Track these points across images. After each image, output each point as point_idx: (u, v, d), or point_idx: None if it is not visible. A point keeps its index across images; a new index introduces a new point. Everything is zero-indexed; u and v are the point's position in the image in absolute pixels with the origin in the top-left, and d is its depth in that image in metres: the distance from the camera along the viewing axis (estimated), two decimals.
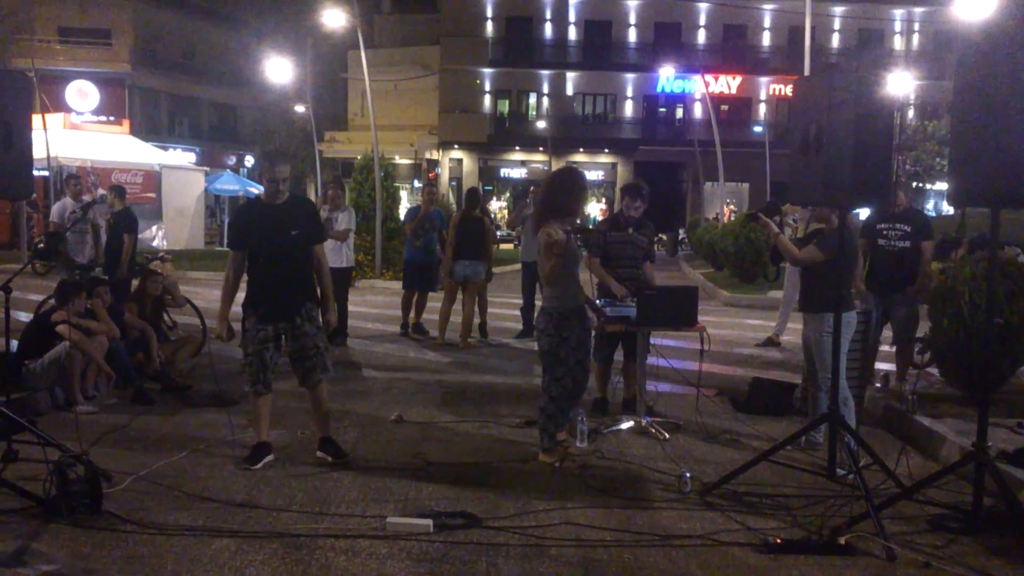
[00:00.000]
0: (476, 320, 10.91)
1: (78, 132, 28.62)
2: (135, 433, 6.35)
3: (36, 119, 22.10)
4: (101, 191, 14.06)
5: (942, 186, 35.10)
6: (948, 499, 5.02)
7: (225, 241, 32.37)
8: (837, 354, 5.33)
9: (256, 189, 37.22)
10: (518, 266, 11.31)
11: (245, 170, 45.90)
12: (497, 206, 42.06)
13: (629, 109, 43.79)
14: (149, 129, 39.98)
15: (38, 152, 21.22)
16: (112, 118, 33.51)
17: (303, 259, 5.70)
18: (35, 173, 5.45)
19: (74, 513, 4.50)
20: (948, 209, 33.61)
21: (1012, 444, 5.76)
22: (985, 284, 6.03)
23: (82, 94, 35.63)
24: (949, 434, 6.11)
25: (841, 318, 5.38)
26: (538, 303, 10.78)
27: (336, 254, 10.24)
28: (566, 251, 5.61)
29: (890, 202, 7.81)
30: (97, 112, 34.74)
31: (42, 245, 17.18)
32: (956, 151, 4.62)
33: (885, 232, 7.63)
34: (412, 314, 11.34)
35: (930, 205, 42.51)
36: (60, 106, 32.08)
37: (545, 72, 42.91)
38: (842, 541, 4.37)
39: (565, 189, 5.87)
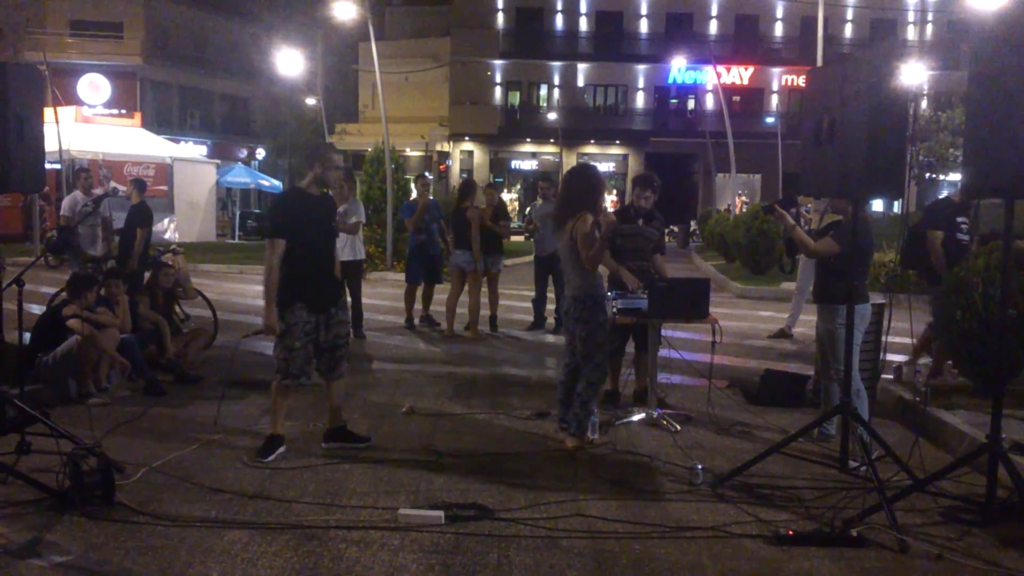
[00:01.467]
0: (486, 312, 10.90)
1: (90, 125, 28.73)
2: (147, 425, 6.38)
3: (48, 112, 22.19)
4: (113, 184, 14.12)
5: (956, 177, 34.89)
6: (961, 491, 5.00)
7: (235, 231, 32.46)
8: (850, 346, 5.31)
9: (267, 181, 37.38)
10: (529, 258, 11.30)
11: (256, 163, 46.02)
12: (508, 198, 42.05)
13: (640, 100, 43.68)
14: (161, 122, 40.14)
15: (50, 145, 21.36)
16: (124, 111, 33.62)
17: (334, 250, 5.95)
18: (47, 166, 5.47)
19: (87, 505, 4.52)
20: None
21: None
22: (999, 275, 5.99)
23: (94, 87, 35.80)
24: (962, 426, 6.08)
25: (854, 310, 5.36)
26: (550, 295, 10.85)
27: (348, 247, 10.27)
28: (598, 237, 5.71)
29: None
30: (109, 105, 34.89)
31: (53, 237, 17.27)
32: (970, 142, 4.58)
33: (962, 226, 7.60)
34: (420, 306, 11.34)
35: (943, 196, 42.26)
36: (72, 99, 32.24)
37: (556, 63, 42.83)
38: (854, 533, 4.35)
39: (582, 187, 5.91)
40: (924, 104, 38.86)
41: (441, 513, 4.53)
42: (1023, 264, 6.40)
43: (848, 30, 42.56)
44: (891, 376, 7.74)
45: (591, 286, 5.82)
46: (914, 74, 28.37)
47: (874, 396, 6.73)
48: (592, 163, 7.10)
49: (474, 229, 10.27)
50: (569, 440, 5.87)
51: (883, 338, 5.91)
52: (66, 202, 10.62)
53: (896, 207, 32.77)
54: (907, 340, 7.69)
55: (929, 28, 43.29)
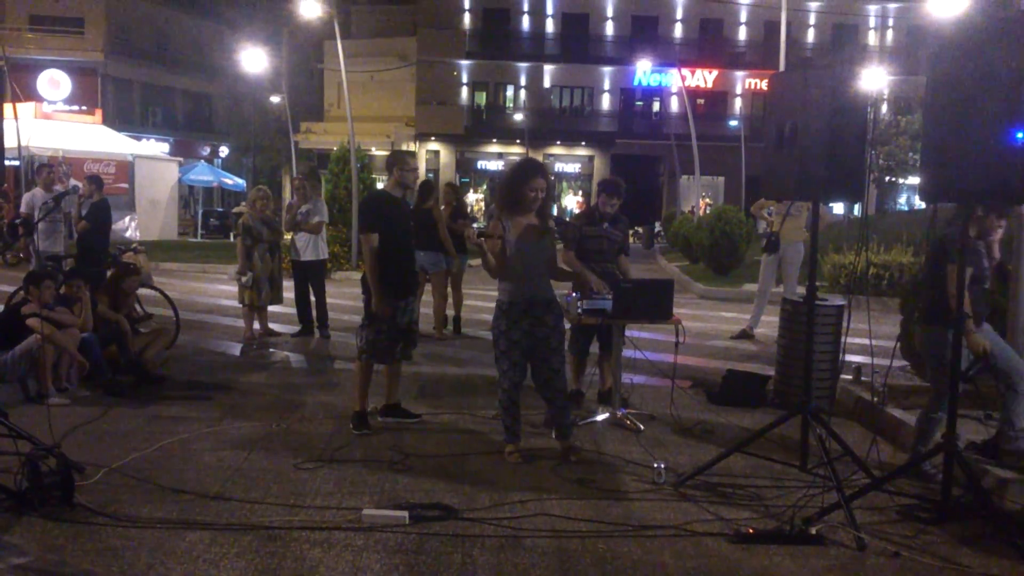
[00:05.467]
0: (451, 313, 10.88)
1: (50, 121, 28.25)
2: (108, 426, 6.30)
3: (7, 108, 21.80)
4: (73, 182, 13.93)
5: (914, 180, 35.42)
6: (918, 490, 5.10)
7: (197, 229, 32.12)
8: (807, 352, 5.38)
9: (230, 179, 37.02)
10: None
11: (219, 160, 45.56)
12: (474, 198, 42.00)
13: (606, 102, 43.87)
14: (122, 119, 39.58)
15: (9, 141, 21.03)
16: (84, 107, 33.09)
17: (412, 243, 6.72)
18: (6, 162, 5.36)
19: (46, 506, 4.46)
20: (920, 204, 33.91)
21: (980, 435, 5.85)
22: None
23: (54, 83, 35.23)
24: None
25: (813, 318, 5.42)
26: None
27: (311, 247, 10.23)
28: (509, 243, 5.57)
29: None
30: (69, 101, 34.35)
31: (5, 227, 16.98)
32: (928, 146, 4.66)
33: None
34: None
35: (902, 200, 42.91)
36: (31, 95, 31.72)
37: (522, 64, 42.87)
38: (813, 531, 4.42)
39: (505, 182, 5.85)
40: (884, 108, 39.43)
41: (405, 513, 4.52)
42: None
43: (810, 35, 43.09)
44: (850, 376, 7.85)
45: (506, 290, 5.64)
46: (874, 79, 28.78)
47: (833, 397, 6.82)
48: (529, 158, 6.69)
49: (441, 230, 10.21)
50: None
51: (842, 339, 5.99)
52: (25, 198, 10.49)
53: (856, 210, 33.20)
54: (865, 341, 7.81)
55: (890, 34, 43.93)
